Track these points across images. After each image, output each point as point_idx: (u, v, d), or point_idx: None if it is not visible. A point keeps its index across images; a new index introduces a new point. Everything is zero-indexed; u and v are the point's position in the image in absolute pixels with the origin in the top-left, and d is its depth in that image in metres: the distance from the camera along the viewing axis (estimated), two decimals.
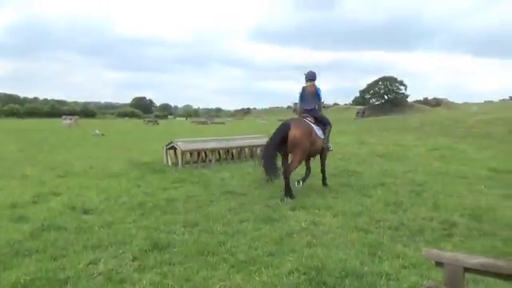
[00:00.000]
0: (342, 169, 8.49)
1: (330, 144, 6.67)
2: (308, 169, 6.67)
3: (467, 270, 1.94)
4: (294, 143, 5.86)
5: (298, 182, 6.43)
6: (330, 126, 6.65)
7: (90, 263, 3.38)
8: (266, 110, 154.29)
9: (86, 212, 5.03)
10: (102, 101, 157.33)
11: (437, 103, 77.80)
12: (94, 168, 8.73)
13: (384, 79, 68.27)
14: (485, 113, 20.86)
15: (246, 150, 10.50)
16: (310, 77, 6.68)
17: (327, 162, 7.06)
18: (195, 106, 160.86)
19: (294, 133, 5.87)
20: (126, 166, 9.00)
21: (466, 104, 77.44)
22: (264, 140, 11.06)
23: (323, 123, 6.53)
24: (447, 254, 2.00)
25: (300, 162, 5.99)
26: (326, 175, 6.83)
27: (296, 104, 6.93)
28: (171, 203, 5.54)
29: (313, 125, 6.28)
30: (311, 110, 6.53)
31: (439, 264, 2.02)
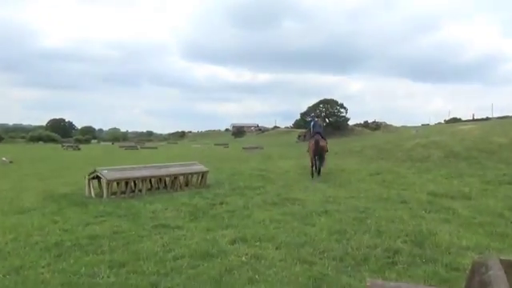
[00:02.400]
0: (284, 196, 8.64)
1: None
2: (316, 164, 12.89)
3: None
4: (322, 148, 12.81)
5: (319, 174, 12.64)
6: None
7: None
8: (202, 133, 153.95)
9: None
10: (11, 123, 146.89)
11: (376, 127, 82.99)
12: None
13: (325, 102, 71.69)
14: (422, 136, 22.62)
15: (181, 178, 10.36)
16: (316, 115, 17.02)
17: None
18: (123, 129, 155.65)
19: (323, 143, 12.86)
20: (40, 199, 8.41)
21: (404, 127, 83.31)
22: (201, 167, 11.07)
23: (325, 139, 13.49)
24: (391, 285, 2.09)
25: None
26: None
27: (309, 130, 14.57)
28: (94, 241, 5.24)
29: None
30: (319, 132, 13.49)
31: None
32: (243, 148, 44.05)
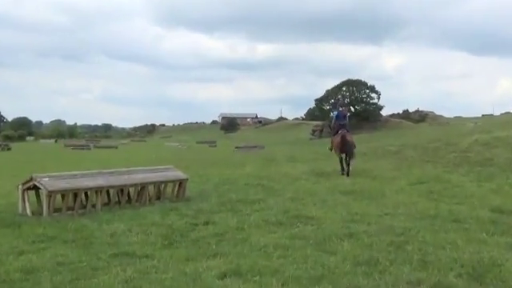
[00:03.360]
0: (293, 214, 8.65)
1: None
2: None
3: None
4: (351, 145, 14.92)
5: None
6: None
7: None
8: (179, 127, 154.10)
9: None
10: None
11: (420, 118, 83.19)
12: None
13: (349, 83, 71.94)
14: (483, 131, 22.64)
15: (151, 188, 10.37)
16: (343, 104, 20.29)
17: None
18: (70, 122, 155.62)
19: (350, 138, 15.02)
20: None
21: (458, 119, 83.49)
22: (178, 173, 11.08)
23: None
24: None
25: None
26: None
27: (331, 122, 17.21)
28: (31, 276, 5.23)
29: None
30: (344, 124, 15.45)
31: None
32: (236, 147, 44.02)
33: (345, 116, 16.06)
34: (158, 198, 10.43)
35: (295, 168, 17.61)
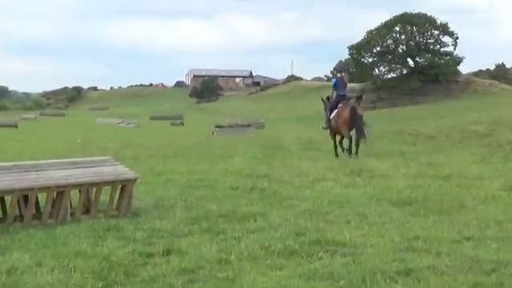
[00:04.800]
0: (311, 237, 8.67)
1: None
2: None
3: None
4: (361, 119, 19.42)
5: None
6: None
7: None
8: (123, 92, 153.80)
9: None
10: None
11: None
12: None
13: (405, 20, 71.66)
14: None
15: (75, 194, 10.44)
16: (340, 69, 22.41)
17: None
18: None
19: (361, 110, 19.99)
20: None
21: None
22: (119, 169, 11.02)
23: None
24: None
25: None
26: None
27: (332, 92, 20.90)
28: None
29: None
30: (345, 95, 19.97)
31: None
32: (217, 127, 43.74)
33: (346, 85, 20.06)
34: (88, 210, 10.41)
35: (315, 161, 17.63)
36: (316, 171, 15.39)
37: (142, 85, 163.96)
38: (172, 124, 65.90)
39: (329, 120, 20.10)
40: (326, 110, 21.52)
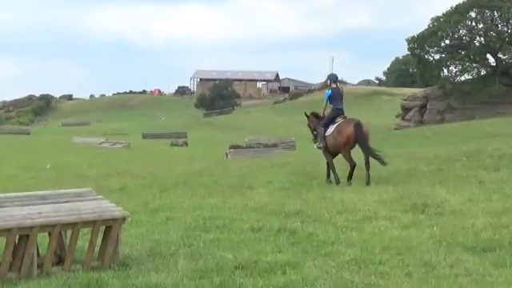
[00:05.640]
0: None
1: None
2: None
3: None
4: (367, 135, 21.98)
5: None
6: None
7: None
8: (107, 101, 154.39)
9: None
10: None
11: None
12: None
13: (483, 2, 71.57)
14: None
15: (44, 238, 10.45)
16: (335, 79, 23.72)
17: None
18: None
19: (366, 127, 22.79)
20: None
21: None
22: (103, 205, 11.03)
23: None
24: None
25: None
26: None
27: (327, 103, 22.98)
28: None
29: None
30: (342, 109, 22.09)
31: None
32: (231, 148, 43.79)
33: (342, 97, 21.84)
34: (61, 260, 10.40)
35: (363, 193, 17.64)
36: (365, 206, 15.37)
37: (131, 92, 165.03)
38: (172, 144, 66.14)
39: (324, 137, 21.61)
40: (311, 127, 23.87)
